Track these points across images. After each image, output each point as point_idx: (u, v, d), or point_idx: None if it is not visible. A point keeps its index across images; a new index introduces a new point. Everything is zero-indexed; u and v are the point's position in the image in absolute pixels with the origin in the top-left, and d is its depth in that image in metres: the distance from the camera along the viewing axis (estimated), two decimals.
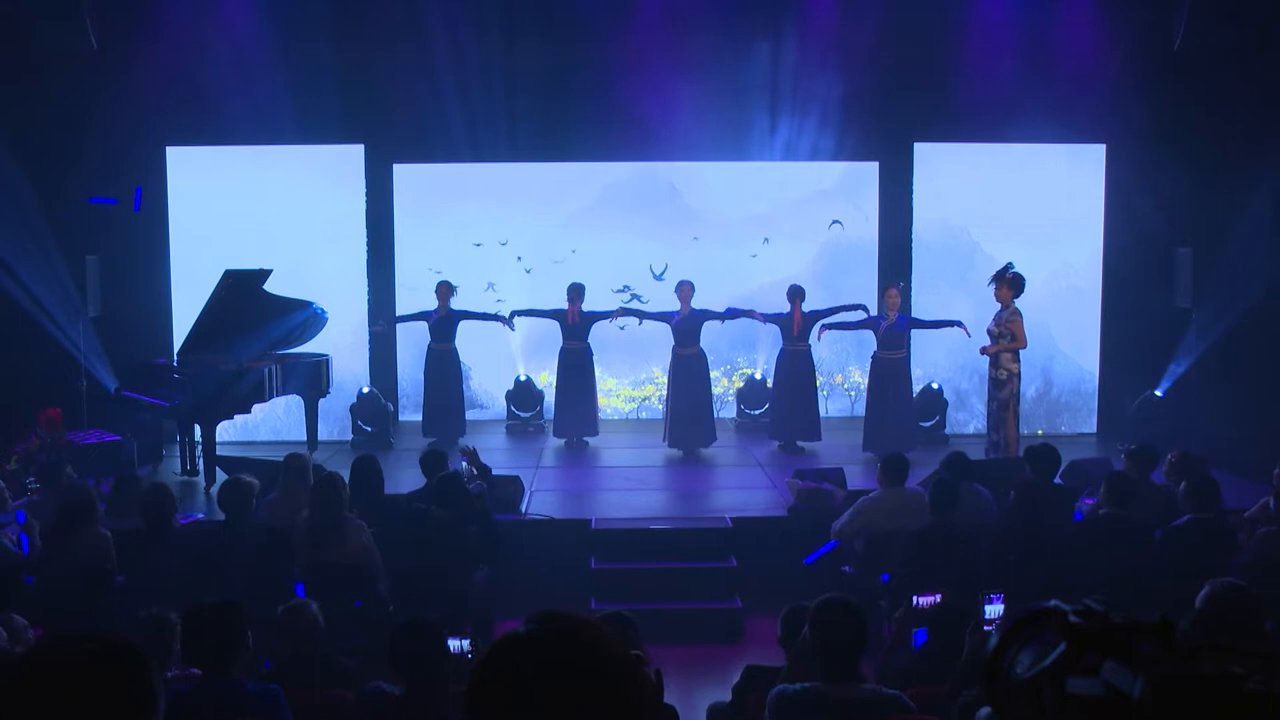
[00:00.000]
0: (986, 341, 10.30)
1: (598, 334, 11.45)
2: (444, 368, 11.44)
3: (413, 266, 12.45)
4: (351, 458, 8.17)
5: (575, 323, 11.20)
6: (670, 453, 11.10)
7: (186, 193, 12.06)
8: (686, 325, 11.06)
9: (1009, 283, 10.08)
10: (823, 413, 12.41)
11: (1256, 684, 1.13)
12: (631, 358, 11.79)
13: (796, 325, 10.97)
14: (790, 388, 11.09)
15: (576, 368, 11.25)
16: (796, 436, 11.08)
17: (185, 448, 10.36)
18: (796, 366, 11.08)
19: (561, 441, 11.37)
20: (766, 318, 11.14)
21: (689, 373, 11.06)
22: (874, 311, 11.11)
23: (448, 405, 11.45)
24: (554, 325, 11.41)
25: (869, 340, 11.13)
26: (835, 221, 12.42)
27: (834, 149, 12.09)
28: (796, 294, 11.05)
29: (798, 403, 11.08)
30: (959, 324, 10.66)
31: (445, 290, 11.43)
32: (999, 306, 10.19)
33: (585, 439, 11.35)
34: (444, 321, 11.42)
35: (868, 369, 11.13)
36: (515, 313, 11.32)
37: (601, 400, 11.87)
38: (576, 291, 11.25)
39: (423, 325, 11.60)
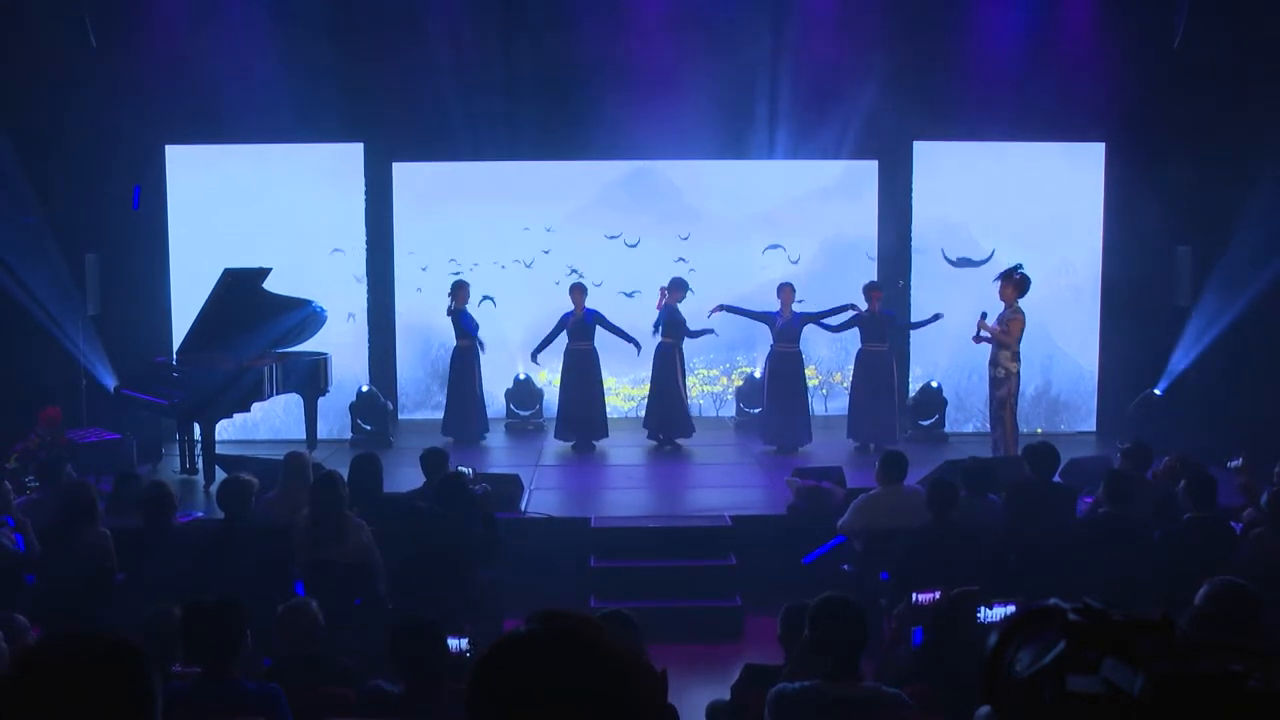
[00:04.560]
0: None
1: (599, 333, 11.44)
2: (465, 364, 11.47)
3: (411, 265, 12.49)
4: (351, 456, 8.17)
5: (581, 323, 11.21)
6: (669, 450, 11.13)
7: (186, 191, 12.05)
8: (667, 320, 11.13)
9: (1016, 284, 10.10)
10: (822, 411, 12.47)
11: (1257, 682, 1.13)
12: (631, 355, 11.77)
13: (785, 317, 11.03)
14: (781, 391, 11.06)
15: (583, 368, 11.24)
16: (790, 441, 11.04)
17: (185, 446, 10.36)
18: (785, 368, 11.07)
19: (569, 444, 11.36)
20: (753, 315, 11.15)
21: (669, 365, 11.16)
22: (863, 311, 11.13)
23: (469, 401, 11.50)
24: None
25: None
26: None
27: (834, 147, 12.10)
28: (786, 291, 11.05)
29: (790, 407, 11.06)
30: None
31: (462, 289, 11.47)
32: (1002, 305, 10.21)
33: (594, 442, 11.34)
34: (463, 318, 11.48)
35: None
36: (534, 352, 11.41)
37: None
38: (580, 290, 11.26)
39: (444, 332, 11.67)
